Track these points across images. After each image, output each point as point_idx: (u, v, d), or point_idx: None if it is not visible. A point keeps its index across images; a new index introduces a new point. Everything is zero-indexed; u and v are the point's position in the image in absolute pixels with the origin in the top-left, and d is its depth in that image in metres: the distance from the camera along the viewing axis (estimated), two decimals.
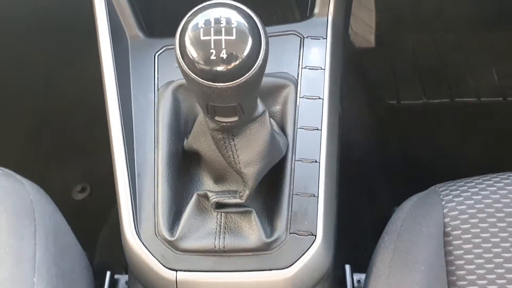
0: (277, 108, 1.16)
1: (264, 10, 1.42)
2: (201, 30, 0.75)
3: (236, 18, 0.76)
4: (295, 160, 1.08)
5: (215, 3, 0.78)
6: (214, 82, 0.76)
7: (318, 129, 1.11)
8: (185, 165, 1.13)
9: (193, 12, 0.78)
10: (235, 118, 0.87)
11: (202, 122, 1.02)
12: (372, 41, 2.49)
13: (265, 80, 1.04)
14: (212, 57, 0.75)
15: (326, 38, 1.22)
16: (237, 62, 0.75)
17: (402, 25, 2.51)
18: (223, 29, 0.75)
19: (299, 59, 1.20)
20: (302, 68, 1.18)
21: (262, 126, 0.95)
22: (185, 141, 1.13)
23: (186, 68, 0.77)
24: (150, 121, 1.15)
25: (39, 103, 2.23)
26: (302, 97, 1.15)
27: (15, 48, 2.14)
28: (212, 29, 0.75)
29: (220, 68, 0.75)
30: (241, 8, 0.78)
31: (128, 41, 1.23)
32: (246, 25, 0.76)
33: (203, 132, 1.03)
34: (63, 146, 2.20)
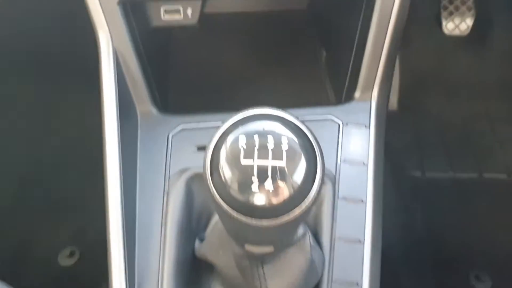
0: (312, 209, 0.97)
1: (294, 86, 1.26)
2: (242, 151, 0.57)
3: (286, 136, 0.58)
4: (331, 282, 0.88)
5: (259, 114, 0.60)
6: (253, 218, 0.58)
7: (360, 242, 0.92)
8: (195, 274, 0.94)
9: (231, 124, 0.59)
10: (269, 249, 0.68)
11: (222, 233, 0.83)
12: (395, 103, 2.33)
13: None
14: (254, 188, 0.56)
15: (369, 127, 1.04)
16: (286, 196, 0.57)
17: (426, 89, 2.36)
18: (270, 151, 0.57)
19: (337, 150, 1.02)
20: (341, 161, 1.00)
21: (300, 252, 0.76)
22: (196, 243, 0.94)
23: (217, 196, 0.59)
24: (157, 216, 0.96)
25: (32, 152, 2.04)
26: (341, 199, 0.96)
27: (13, 88, 1.97)
28: (255, 151, 0.57)
29: (263, 202, 0.57)
30: (292, 122, 0.60)
31: (138, 117, 1.05)
32: (299, 145, 0.58)
33: (222, 244, 0.84)
34: (53, 203, 1.99)
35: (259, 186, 0.56)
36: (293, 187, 0.57)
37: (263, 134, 0.57)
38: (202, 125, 1.05)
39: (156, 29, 1.15)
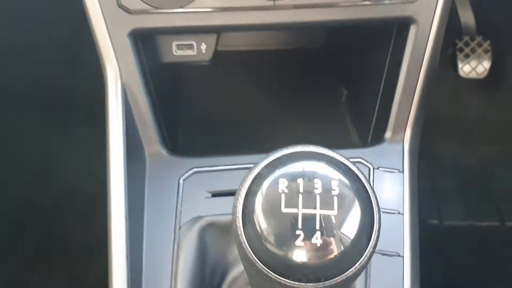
0: None
1: (313, 127, 1.17)
2: (283, 197, 0.47)
3: (337, 179, 0.48)
4: None
5: (301, 151, 0.50)
6: (296, 281, 0.47)
7: None
8: None
9: (267, 163, 0.49)
10: None
11: None
12: None
13: None
14: (299, 243, 0.46)
15: (403, 172, 0.94)
16: (337, 253, 0.46)
17: (439, 132, 2.28)
18: (317, 198, 0.46)
19: None
20: None
21: None
22: None
23: (251, 253, 0.48)
24: (166, 271, 0.85)
25: (31, 195, 1.94)
26: (376, 252, 0.85)
27: (14, 126, 1.88)
28: (300, 197, 0.46)
29: (309, 260, 0.46)
30: (341, 162, 0.50)
31: (147, 159, 0.95)
32: (352, 191, 0.48)
33: None
34: (48, 247, 1.87)
35: (305, 241, 0.46)
36: (347, 242, 0.47)
37: (308, 177, 0.47)
38: (217, 168, 0.95)
39: (167, 65, 1.06)
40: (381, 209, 0.90)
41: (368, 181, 0.50)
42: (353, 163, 0.51)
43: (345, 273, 0.47)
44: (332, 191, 0.47)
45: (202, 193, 0.91)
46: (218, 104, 1.26)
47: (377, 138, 1.01)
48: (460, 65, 2.03)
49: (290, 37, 1.39)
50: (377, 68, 1.05)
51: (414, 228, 0.90)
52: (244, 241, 0.48)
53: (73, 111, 1.78)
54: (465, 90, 2.22)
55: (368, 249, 0.48)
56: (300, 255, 0.46)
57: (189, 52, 1.05)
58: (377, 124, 1.04)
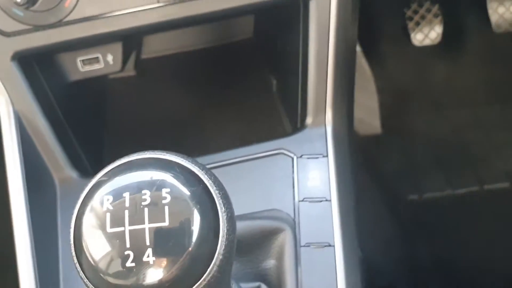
0: (271, 263, 0.81)
1: (246, 123, 1.11)
2: (108, 216, 0.41)
3: (168, 185, 0.42)
4: None
5: (131, 160, 0.45)
6: None
7: None
8: None
9: (95, 182, 0.44)
10: None
11: None
12: (378, 126, 2.18)
13: (250, 224, 0.78)
14: (129, 264, 0.40)
15: (328, 156, 0.88)
16: (176, 268, 0.41)
17: (408, 106, 2.23)
18: (145, 210, 0.41)
19: (294, 188, 0.86)
20: (299, 201, 0.84)
21: None
22: None
23: (86, 279, 0.42)
24: None
25: None
26: (305, 246, 0.80)
27: None
28: (126, 213, 0.41)
29: (147, 282, 0.41)
30: (178, 163, 0.45)
31: (57, 185, 0.89)
32: (189, 194, 0.43)
33: None
34: None
35: (136, 261, 0.40)
36: (184, 254, 0.41)
37: (133, 189, 0.42)
38: None
39: (76, 83, 1.01)
40: (307, 199, 0.85)
41: (213, 179, 0.45)
42: (194, 160, 0.45)
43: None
44: (162, 200, 0.41)
45: None
46: (146, 114, 1.20)
47: (302, 125, 0.96)
48: (412, 34, 1.97)
49: (218, 33, 1.34)
50: (294, 52, 1.00)
51: (345, 213, 0.84)
52: (80, 272, 0.43)
53: None
54: (424, 59, 2.17)
55: (216, 255, 0.42)
56: (134, 278, 0.41)
57: (96, 66, 1.00)
58: (302, 111, 0.99)
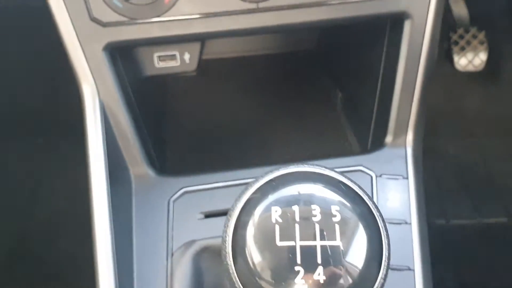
0: None
1: (309, 135, 1.10)
2: (277, 228, 0.40)
3: (337, 203, 0.41)
4: None
5: (294, 172, 0.44)
6: None
7: None
8: None
9: (258, 188, 0.43)
10: None
11: None
12: None
13: None
14: (299, 280, 0.39)
15: (408, 178, 0.87)
16: None
17: (441, 129, 2.22)
18: (316, 226, 0.40)
19: None
20: None
21: None
22: None
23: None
24: None
25: (19, 223, 1.87)
26: None
27: None
28: (296, 227, 0.40)
29: None
30: (342, 182, 0.44)
31: (132, 181, 0.88)
32: (356, 215, 0.42)
33: None
34: (44, 277, 1.80)
35: (305, 278, 0.39)
36: (353, 275, 0.40)
37: (304, 202, 0.41)
38: (208, 186, 0.88)
39: (149, 78, 1.00)
40: (387, 220, 0.84)
41: (373, 202, 0.44)
42: (353, 181, 0.44)
43: None
44: (333, 218, 0.41)
45: (194, 215, 0.85)
46: (207, 116, 1.19)
47: (378, 143, 0.95)
48: (456, 58, 1.97)
49: (280, 41, 1.33)
50: (373, 68, 0.99)
51: (423, 238, 0.83)
52: (236, 280, 0.42)
53: (56, 136, 1.72)
54: (463, 84, 2.17)
55: (378, 280, 0.41)
56: None
57: (172, 64, 0.99)
58: (376, 128, 0.98)
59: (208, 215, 0.84)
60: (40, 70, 1.66)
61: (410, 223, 0.84)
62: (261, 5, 0.82)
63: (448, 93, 2.15)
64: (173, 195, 0.87)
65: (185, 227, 0.84)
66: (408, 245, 0.83)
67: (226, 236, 0.43)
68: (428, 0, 0.86)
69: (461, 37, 1.97)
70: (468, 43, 1.96)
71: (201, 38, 0.94)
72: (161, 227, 0.84)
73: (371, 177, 0.88)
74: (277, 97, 1.24)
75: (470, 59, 1.96)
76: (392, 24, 0.92)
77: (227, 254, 0.43)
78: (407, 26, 0.87)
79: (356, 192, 0.43)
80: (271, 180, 0.44)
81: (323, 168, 0.44)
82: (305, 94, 1.25)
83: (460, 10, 2.06)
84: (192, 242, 0.82)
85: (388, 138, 0.92)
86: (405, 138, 0.91)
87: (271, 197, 0.42)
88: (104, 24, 0.81)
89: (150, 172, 0.89)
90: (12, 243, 1.87)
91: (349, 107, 1.14)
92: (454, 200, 2.03)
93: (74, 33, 0.81)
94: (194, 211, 0.85)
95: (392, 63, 0.91)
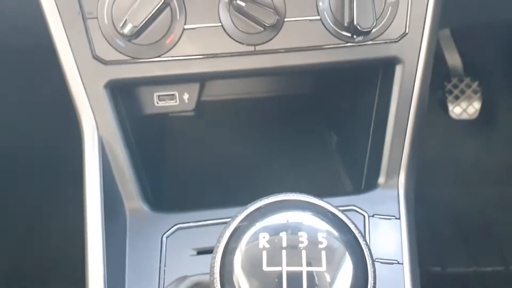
0: None
1: (303, 175, 1.12)
2: (264, 254, 0.41)
3: (324, 230, 0.43)
4: None
5: (282, 200, 0.45)
6: None
7: None
8: None
9: (245, 216, 0.44)
10: None
11: None
12: None
13: None
14: None
15: (400, 219, 0.89)
16: None
17: (435, 176, 2.23)
18: (303, 253, 0.41)
19: None
20: None
21: None
22: None
23: None
24: None
25: (14, 256, 1.85)
26: None
27: None
28: (283, 253, 0.41)
29: None
30: (328, 211, 0.45)
31: (127, 215, 0.89)
32: (342, 242, 0.43)
33: None
34: None
35: None
36: None
37: (292, 229, 0.42)
38: (201, 223, 0.89)
39: (148, 116, 1.03)
40: (379, 260, 0.85)
41: (360, 231, 0.45)
42: (343, 211, 0.46)
43: None
44: (319, 245, 0.42)
45: (187, 251, 0.85)
46: (204, 154, 1.21)
47: (371, 184, 0.96)
48: (450, 107, 2.01)
49: (276, 84, 1.36)
50: (366, 111, 1.02)
51: (415, 279, 0.84)
52: None
53: (54, 168, 1.74)
54: (457, 132, 2.20)
55: None
56: None
57: (171, 103, 1.02)
58: (369, 169, 1.00)
59: (200, 252, 0.85)
60: (39, 108, 1.69)
61: (402, 263, 0.84)
62: (258, 48, 0.86)
63: (442, 141, 2.18)
64: (167, 231, 0.88)
65: (178, 263, 0.84)
66: (400, 285, 0.83)
67: (214, 262, 0.44)
68: (419, 46, 0.90)
69: (455, 86, 2.02)
70: (462, 92, 2.00)
71: (200, 78, 0.98)
72: (154, 262, 0.85)
73: (364, 217, 0.89)
74: (273, 137, 1.26)
75: (465, 108, 2.00)
76: (384, 69, 0.96)
77: (215, 280, 0.43)
78: (398, 70, 0.91)
79: (344, 222, 0.44)
80: (260, 208, 0.45)
81: (311, 197, 0.45)
82: (301, 135, 1.27)
83: (454, 60, 2.12)
84: (184, 277, 0.82)
85: (381, 179, 0.94)
86: (398, 179, 0.93)
87: (259, 224, 0.43)
88: (106, 63, 0.84)
89: (144, 208, 0.90)
90: (5, 281, 1.85)
91: (344, 148, 1.16)
92: (450, 247, 2.02)
93: (76, 70, 0.84)
94: (187, 247, 0.86)
95: (385, 107, 0.94)
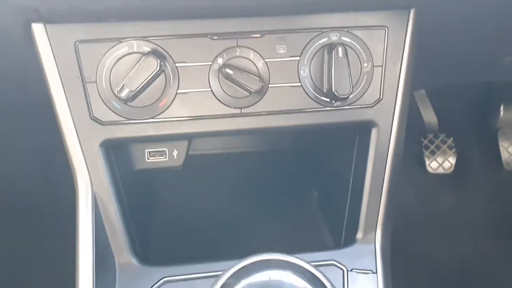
0: None
1: (285, 230, 1.17)
2: None
3: None
4: None
5: (262, 260, 0.50)
6: None
7: None
8: None
9: (229, 276, 0.49)
10: None
11: None
12: None
13: None
14: None
15: (377, 273, 0.93)
16: None
17: (413, 228, 2.28)
18: None
19: None
20: None
21: None
22: None
23: None
24: None
25: None
26: None
27: None
28: None
29: None
30: (307, 270, 0.50)
31: (117, 269, 0.92)
32: None
33: None
34: None
35: None
36: None
37: (273, 287, 0.47)
38: (188, 276, 0.93)
39: (138, 172, 1.08)
40: None
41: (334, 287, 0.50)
42: (321, 269, 0.51)
43: None
44: None
45: None
46: (190, 208, 1.26)
47: (350, 239, 1.01)
48: (427, 161, 2.10)
49: (259, 140, 1.43)
50: (345, 170, 1.08)
51: None
52: None
53: (45, 223, 1.75)
54: (434, 186, 2.27)
55: None
56: None
57: (161, 159, 1.07)
58: (348, 225, 1.05)
59: None
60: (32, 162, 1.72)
61: None
62: (244, 110, 0.92)
63: (419, 194, 2.25)
64: (154, 284, 0.91)
65: None
66: None
67: None
68: (393, 110, 0.98)
69: (432, 142, 2.12)
70: (438, 147, 2.10)
71: (190, 137, 1.03)
72: None
73: (343, 271, 0.94)
74: (257, 192, 1.32)
75: (441, 163, 2.09)
76: (361, 131, 1.03)
77: None
78: (374, 133, 0.98)
79: (320, 280, 0.49)
80: (244, 267, 0.50)
81: (291, 257, 0.50)
82: (284, 190, 1.33)
83: (429, 117, 2.23)
84: None
85: (359, 235, 0.99)
86: (375, 235, 0.98)
87: (244, 282, 0.48)
88: (103, 123, 0.89)
89: (133, 261, 0.94)
90: None
91: (325, 204, 1.22)
92: None
93: (74, 129, 0.89)
94: None
95: (362, 166, 1.01)
